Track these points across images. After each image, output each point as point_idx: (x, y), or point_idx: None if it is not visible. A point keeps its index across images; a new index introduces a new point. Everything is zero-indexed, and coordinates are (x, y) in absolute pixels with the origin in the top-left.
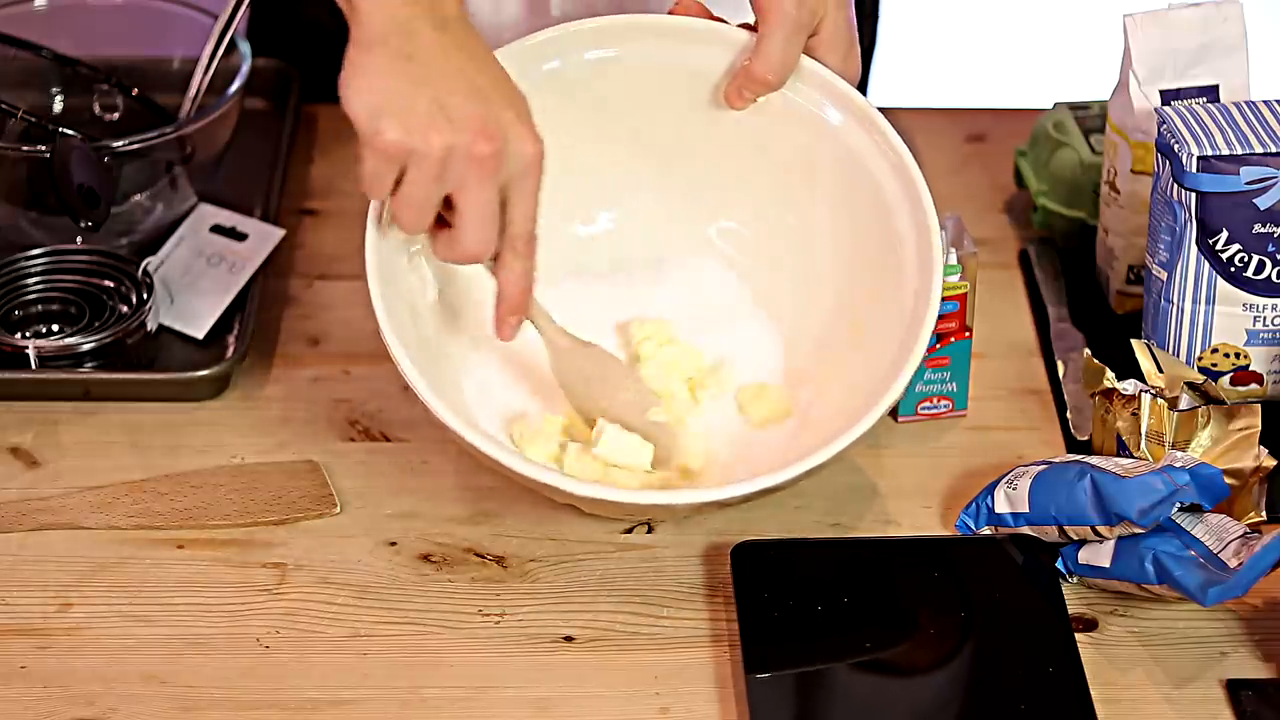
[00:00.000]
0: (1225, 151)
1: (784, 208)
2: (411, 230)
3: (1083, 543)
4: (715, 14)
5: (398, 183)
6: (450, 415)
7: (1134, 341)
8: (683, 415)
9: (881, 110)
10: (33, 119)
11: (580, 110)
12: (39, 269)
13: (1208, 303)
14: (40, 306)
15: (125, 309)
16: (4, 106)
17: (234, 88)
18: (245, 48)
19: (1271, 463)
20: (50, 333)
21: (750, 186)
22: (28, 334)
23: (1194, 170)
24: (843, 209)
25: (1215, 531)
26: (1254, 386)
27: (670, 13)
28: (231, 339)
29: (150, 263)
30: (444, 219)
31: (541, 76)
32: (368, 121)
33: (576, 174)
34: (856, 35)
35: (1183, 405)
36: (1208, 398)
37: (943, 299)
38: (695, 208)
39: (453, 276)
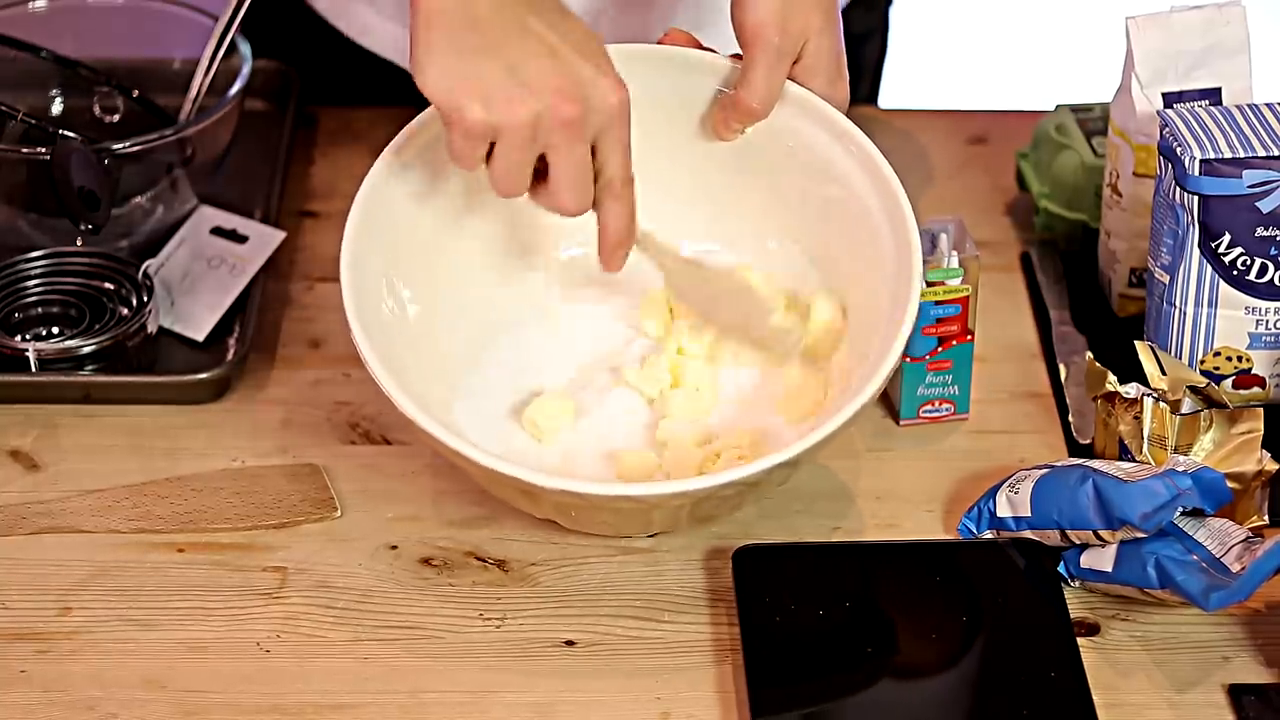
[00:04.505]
0: (1228, 154)
1: (767, 231)
2: (510, 195)
3: (1085, 547)
4: (705, 45)
5: (489, 153)
6: (398, 390)
7: (1138, 343)
8: (798, 324)
9: (882, 112)
10: (33, 121)
11: None
12: (39, 271)
13: (1210, 306)
14: (40, 309)
15: (125, 311)
16: (4, 108)
17: (235, 89)
18: (246, 49)
19: (1274, 466)
20: (50, 335)
21: (732, 213)
22: (28, 336)
23: (1196, 173)
24: (827, 232)
25: (1218, 536)
26: (1256, 390)
27: (659, 43)
28: (232, 341)
29: (150, 265)
30: (539, 172)
31: None
32: (447, 102)
33: None
34: (845, 61)
35: (1185, 409)
36: (1210, 401)
37: (944, 302)
38: (680, 232)
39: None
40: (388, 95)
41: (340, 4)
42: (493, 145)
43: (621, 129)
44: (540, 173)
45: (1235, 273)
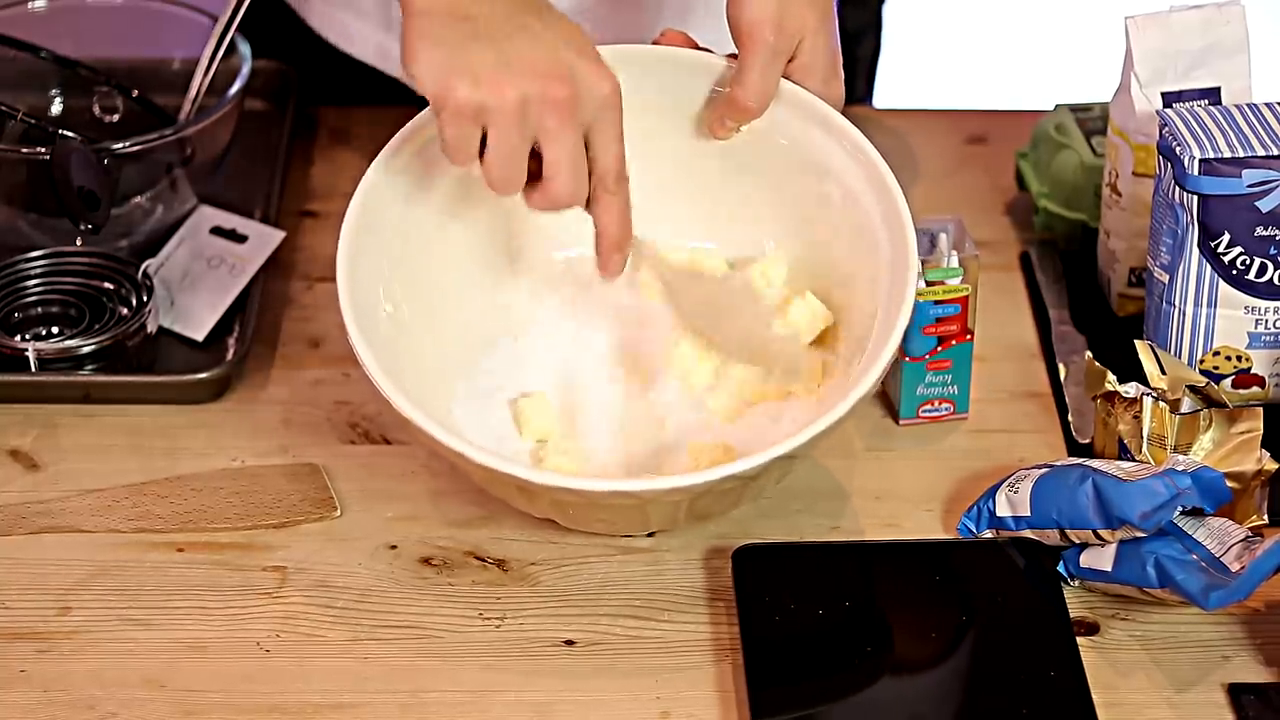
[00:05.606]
0: (1227, 154)
1: (763, 230)
2: (506, 190)
3: (1084, 546)
4: (700, 45)
5: (483, 146)
6: (392, 387)
7: (1137, 342)
8: (805, 332)
9: (881, 112)
10: (32, 121)
11: None
12: (39, 271)
13: (1209, 305)
14: (40, 309)
15: (125, 311)
16: (4, 108)
17: (234, 89)
18: (245, 49)
19: (1273, 466)
20: (50, 335)
21: (728, 212)
22: (27, 336)
23: (1196, 173)
24: (824, 230)
25: (1217, 535)
26: (1255, 389)
27: (654, 43)
28: (231, 341)
29: (150, 265)
30: (532, 173)
31: None
32: (437, 85)
33: None
34: (840, 60)
35: (1184, 408)
36: (1209, 401)
37: (944, 301)
38: (676, 233)
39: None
40: (386, 96)
41: (326, 14)
42: (484, 139)
43: (614, 118)
44: (534, 175)
45: (1235, 272)
